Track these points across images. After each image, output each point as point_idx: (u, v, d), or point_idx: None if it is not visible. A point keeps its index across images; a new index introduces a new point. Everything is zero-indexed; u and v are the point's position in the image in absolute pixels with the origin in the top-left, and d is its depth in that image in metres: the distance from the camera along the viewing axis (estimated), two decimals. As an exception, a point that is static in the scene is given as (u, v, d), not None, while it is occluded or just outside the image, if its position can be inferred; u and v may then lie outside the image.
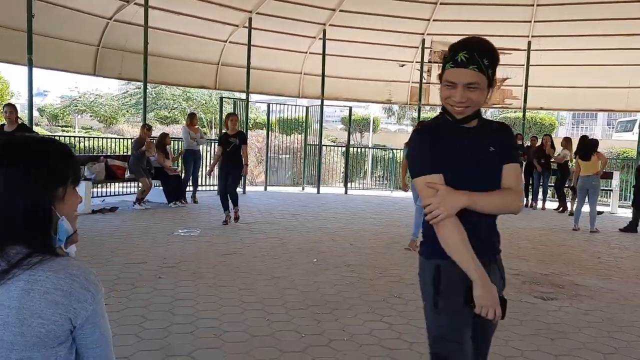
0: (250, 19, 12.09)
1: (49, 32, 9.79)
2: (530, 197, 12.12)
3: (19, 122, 7.62)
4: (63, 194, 1.22)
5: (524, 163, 11.80)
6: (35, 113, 12.03)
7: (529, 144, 12.21)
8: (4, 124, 7.39)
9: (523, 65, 13.41)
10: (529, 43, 13.15)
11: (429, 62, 14.12)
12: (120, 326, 3.72)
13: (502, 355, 3.53)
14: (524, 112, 14.05)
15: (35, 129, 8.80)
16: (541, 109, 17.05)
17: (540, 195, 11.96)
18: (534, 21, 12.70)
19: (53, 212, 1.20)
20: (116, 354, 3.45)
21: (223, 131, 8.26)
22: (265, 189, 13.22)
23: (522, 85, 13.55)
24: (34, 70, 8.65)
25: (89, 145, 12.47)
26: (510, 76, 13.99)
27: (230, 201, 7.96)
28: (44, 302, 1.12)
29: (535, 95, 13.62)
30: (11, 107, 7.55)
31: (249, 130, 13.25)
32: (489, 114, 36.53)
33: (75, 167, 1.27)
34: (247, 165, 7.98)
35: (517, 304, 4.67)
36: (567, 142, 11.82)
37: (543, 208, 11.75)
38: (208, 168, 9.36)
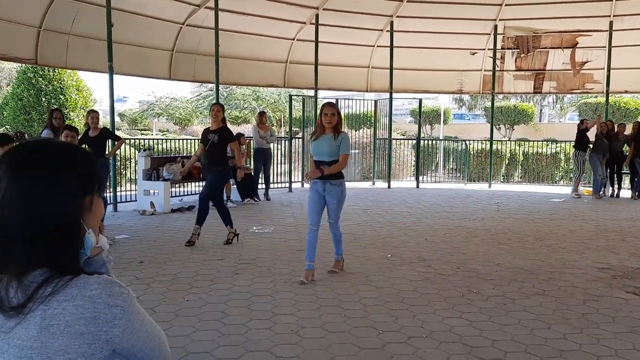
0: (317, 16, 12.12)
1: (127, 39, 10.26)
2: (615, 186, 11.44)
3: (101, 127, 8.05)
4: (90, 202, 1.12)
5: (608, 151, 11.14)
6: (117, 118, 12.73)
7: (616, 132, 11.45)
8: (88, 129, 7.80)
9: (604, 47, 12.64)
10: (611, 23, 12.36)
11: (502, 48, 13.60)
12: (201, 321, 3.83)
13: (594, 354, 3.32)
14: (607, 96, 13.24)
15: (117, 133, 9.23)
16: (625, 92, 16.03)
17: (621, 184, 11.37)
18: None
19: (82, 225, 1.11)
20: (198, 349, 3.53)
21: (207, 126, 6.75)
22: (336, 184, 13.21)
23: (604, 68, 12.76)
24: (115, 77, 9.08)
25: (166, 147, 12.96)
26: (591, 59, 13.25)
27: (213, 216, 6.55)
28: (68, 336, 1.01)
29: (618, 78, 12.80)
30: (94, 113, 7.97)
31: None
32: (566, 100, 34.79)
33: (99, 173, 1.17)
34: (240, 169, 6.43)
35: (608, 299, 4.41)
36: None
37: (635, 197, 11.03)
38: (183, 168, 7.58)
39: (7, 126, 15.56)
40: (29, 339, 1.01)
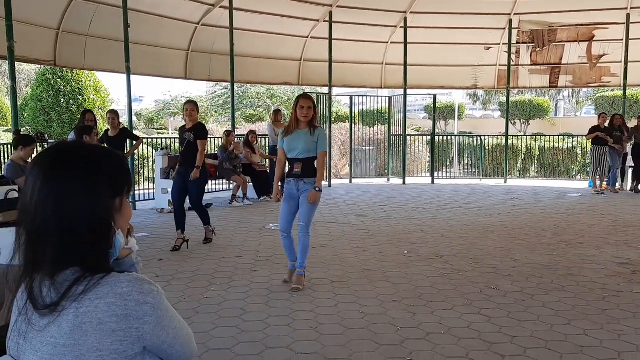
0: (330, 13, 12.13)
1: (143, 40, 10.35)
2: (635, 181, 11.30)
3: (121, 127, 8.15)
4: (120, 204, 1.15)
5: (630, 144, 11.01)
6: (134, 118, 12.85)
7: (636, 125, 11.30)
8: (108, 129, 7.91)
9: (622, 40, 12.47)
10: (628, 15, 12.20)
11: (517, 43, 13.49)
12: (220, 318, 3.88)
13: (615, 350, 3.31)
14: (625, 90, 13.07)
15: (135, 132, 9.33)
16: (644, 85, 15.79)
17: None
18: (633, -9, 11.79)
19: (112, 225, 1.13)
20: (219, 345, 3.59)
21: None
22: (350, 181, 13.23)
23: (621, 62, 12.60)
24: (132, 77, 9.17)
25: (182, 145, 13.07)
26: (608, 52, 13.09)
27: (196, 218, 6.48)
28: (100, 333, 1.03)
29: (636, 71, 12.62)
30: (113, 114, 8.08)
31: (332, 124, 13.30)
32: (582, 94, 34.36)
33: (129, 175, 1.19)
34: (198, 168, 5.95)
35: (628, 294, 4.38)
36: None
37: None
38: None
39: (27, 127, 15.81)
40: (62, 336, 1.04)
